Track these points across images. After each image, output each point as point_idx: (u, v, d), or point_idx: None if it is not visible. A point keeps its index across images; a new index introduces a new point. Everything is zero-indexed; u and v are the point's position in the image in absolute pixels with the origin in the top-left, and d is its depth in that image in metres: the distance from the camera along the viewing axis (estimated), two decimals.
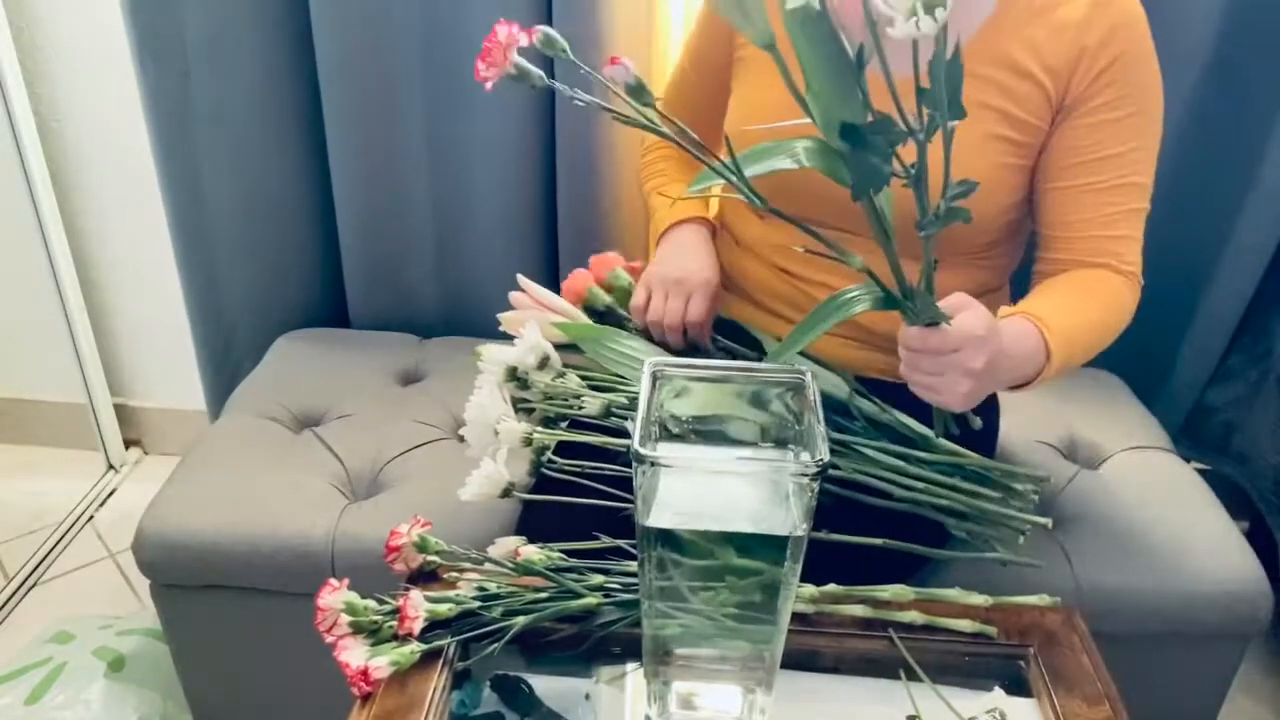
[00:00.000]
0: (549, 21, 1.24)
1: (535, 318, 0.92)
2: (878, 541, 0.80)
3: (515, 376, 0.88)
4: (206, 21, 1.28)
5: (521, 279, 0.98)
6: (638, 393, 0.89)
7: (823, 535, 0.78)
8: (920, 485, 0.84)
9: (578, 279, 1.00)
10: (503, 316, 0.97)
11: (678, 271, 0.95)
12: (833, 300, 0.68)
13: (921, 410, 0.88)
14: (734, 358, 0.96)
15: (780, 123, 0.63)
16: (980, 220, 0.91)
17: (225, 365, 1.52)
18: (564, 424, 0.88)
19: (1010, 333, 0.79)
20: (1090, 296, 0.89)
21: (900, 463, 0.85)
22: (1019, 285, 1.01)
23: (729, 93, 1.00)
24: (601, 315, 0.99)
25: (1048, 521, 0.84)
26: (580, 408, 0.85)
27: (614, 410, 0.85)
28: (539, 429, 0.85)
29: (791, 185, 0.92)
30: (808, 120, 0.61)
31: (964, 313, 0.73)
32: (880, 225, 0.64)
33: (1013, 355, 0.79)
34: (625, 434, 0.84)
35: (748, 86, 0.97)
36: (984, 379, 0.74)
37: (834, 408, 0.88)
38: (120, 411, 1.79)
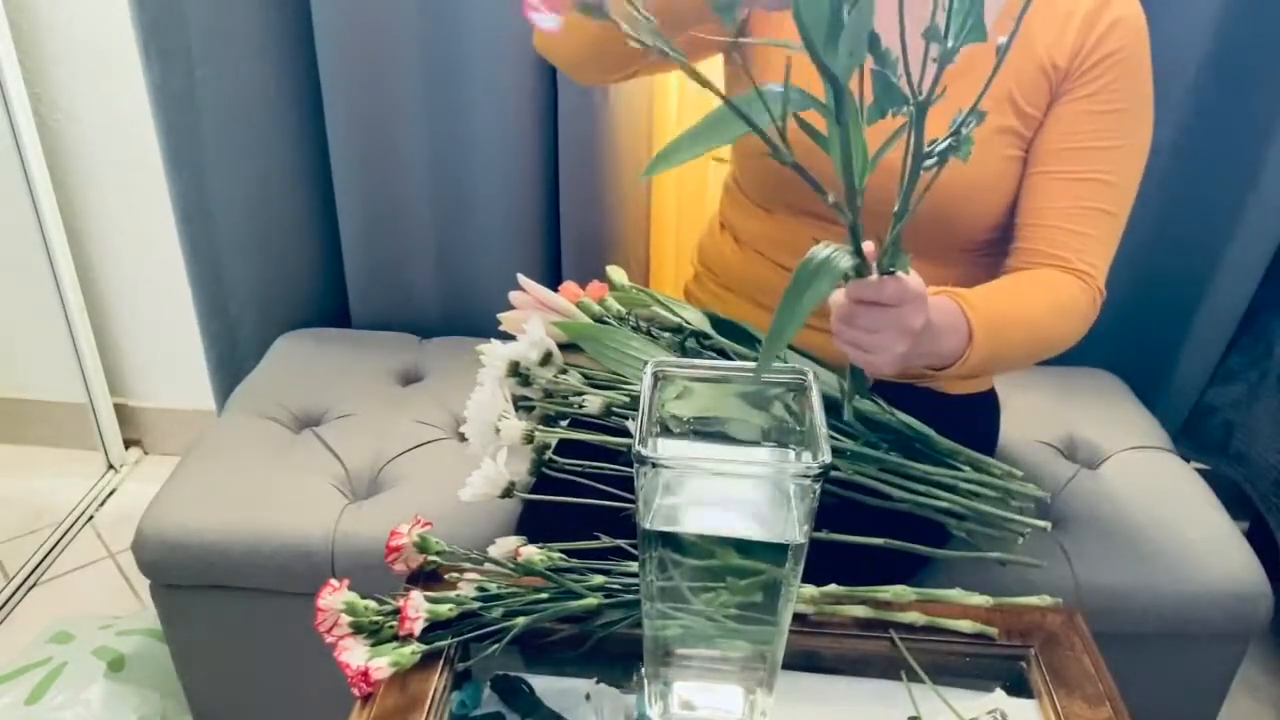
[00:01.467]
0: None
1: (537, 316, 0.92)
2: (878, 541, 0.80)
3: (517, 372, 0.88)
4: (212, 21, 1.28)
5: (522, 278, 0.98)
6: (639, 392, 0.89)
7: (824, 535, 0.78)
8: (921, 488, 0.84)
9: (573, 288, 1.00)
10: (503, 316, 0.97)
11: None
12: (806, 265, 0.60)
13: (922, 412, 0.88)
14: (732, 358, 0.96)
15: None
16: (985, 215, 0.91)
17: (231, 363, 1.52)
18: (564, 423, 0.88)
19: (933, 302, 0.75)
20: (1034, 295, 0.86)
21: (901, 462, 0.85)
22: None
23: None
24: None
25: (1046, 525, 0.84)
26: (581, 406, 0.85)
27: (615, 409, 0.85)
28: (540, 427, 0.85)
29: (789, 176, 0.92)
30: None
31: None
32: (848, 166, 0.58)
33: (935, 325, 0.75)
34: (626, 433, 0.84)
35: (757, 76, 0.95)
36: (918, 342, 0.71)
37: (830, 407, 0.88)
38: (120, 411, 1.79)
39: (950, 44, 0.54)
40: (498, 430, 0.83)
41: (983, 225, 0.92)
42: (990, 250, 0.96)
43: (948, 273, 0.95)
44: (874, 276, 0.67)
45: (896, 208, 0.60)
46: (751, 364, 0.73)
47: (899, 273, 0.67)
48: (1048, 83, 0.87)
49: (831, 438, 0.85)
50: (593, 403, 0.85)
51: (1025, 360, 0.87)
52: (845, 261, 0.61)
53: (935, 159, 0.57)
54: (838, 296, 0.70)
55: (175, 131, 1.34)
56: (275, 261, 1.46)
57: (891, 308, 0.68)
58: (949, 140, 0.57)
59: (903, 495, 0.83)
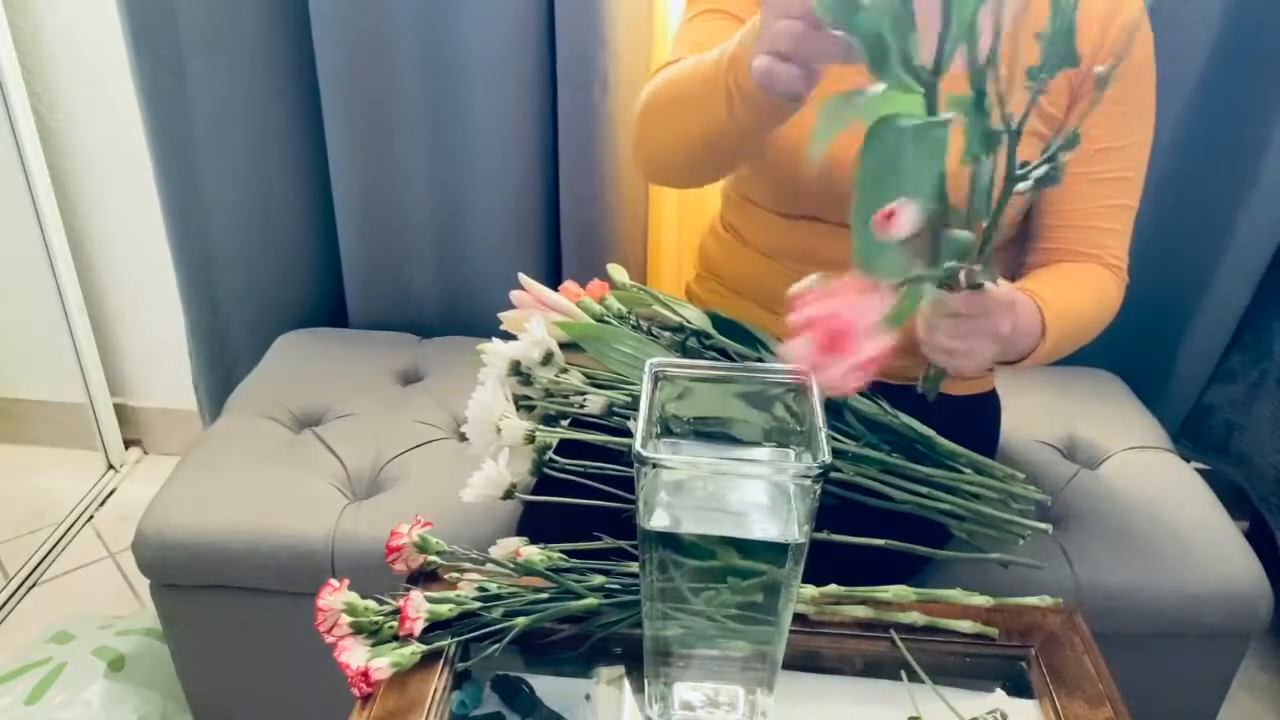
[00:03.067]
0: (550, 21, 1.24)
1: (538, 315, 0.92)
2: (879, 542, 0.80)
3: (518, 372, 0.88)
4: (203, 20, 1.28)
5: (523, 278, 0.98)
6: (639, 392, 0.89)
7: (824, 536, 0.78)
8: (922, 489, 0.84)
9: (573, 288, 1.00)
10: (504, 315, 0.96)
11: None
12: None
13: (921, 412, 0.88)
14: (732, 358, 0.95)
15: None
16: (1007, 219, 0.91)
17: (220, 365, 1.52)
18: (565, 422, 0.88)
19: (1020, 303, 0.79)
20: (1083, 287, 0.90)
21: (902, 464, 0.85)
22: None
23: None
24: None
25: (1047, 527, 0.84)
26: (582, 406, 0.85)
27: (616, 409, 0.85)
28: (541, 427, 0.85)
29: (797, 181, 0.92)
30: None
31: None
32: (982, 192, 0.58)
33: (1019, 327, 0.78)
34: (627, 433, 0.84)
35: None
36: (1005, 345, 0.73)
37: (830, 408, 0.88)
38: (120, 411, 1.78)
39: (1043, 75, 0.54)
40: (499, 430, 0.83)
41: (1002, 230, 0.93)
42: (1001, 253, 0.97)
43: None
44: (961, 293, 0.67)
45: (985, 224, 0.60)
46: (753, 364, 0.73)
47: (985, 285, 0.68)
48: (1067, 82, 0.88)
49: (832, 439, 0.85)
50: (594, 402, 0.84)
51: (1071, 348, 0.89)
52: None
53: (1031, 184, 0.58)
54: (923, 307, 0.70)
55: (165, 133, 1.34)
56: (271, 263, 1.46)
57: (979, 318, 0.70)
58: (1046, 167, 0.57)
59: (904, 497, 0.83)
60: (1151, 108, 0.90)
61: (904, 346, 0.97)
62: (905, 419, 0.88)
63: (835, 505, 0.82)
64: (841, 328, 0.52)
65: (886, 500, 0.83)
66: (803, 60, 0.63)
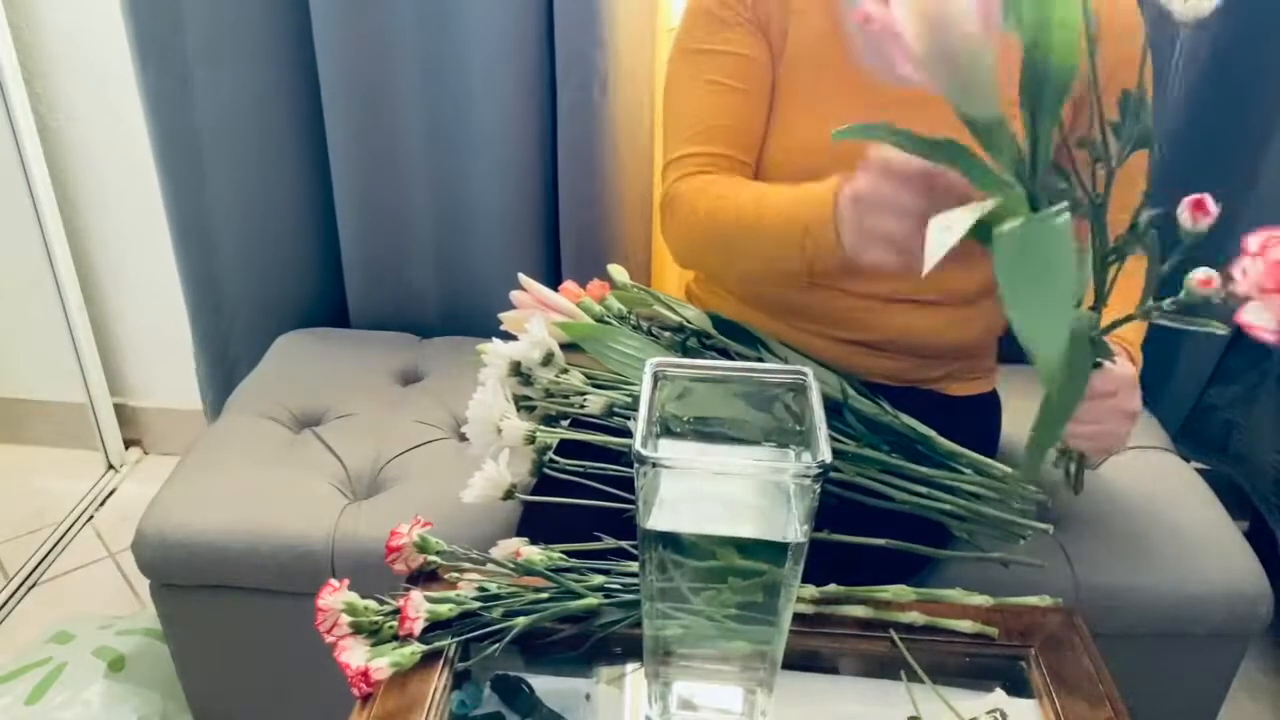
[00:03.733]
0: (549, 21, 1.24)
1: (539, 315, 0.92)
2: (879, 542, 0.80)
3: (519, 372, 0.88)
4: (206, 22, 1.29)
5: (523, 278, 0.98)
6: (639, 391, 0.89)
7: (824, 535, 0.78)
8: (922, 489, 0.84)
9: (573, 288, 1.00)
10: (504, 316, 0.96)
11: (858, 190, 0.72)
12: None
13: (924, 413, 0.88)
14: (732, 358, 0.96)
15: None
16: None
17: (223, 365, 1.52)
18: (565, 422, 0.88)
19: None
20: (1135, 294, 0.90)
21: (902, 464, 0.85)
22: None
23: (769, 97, 0.94)
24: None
25: (1048, 528, 0.84)
26: (582, 406, 0.85)
27: (616, 409, 0.85)
28: (541, 427, 0.85)
29: None
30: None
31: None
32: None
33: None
34: (627, 433, 0.84)
35: (789, 103, 0.93)
36: (1136, 418, 0.75)
37: (830, 409, 0.88)
38: (120, 411, 1.79)
39: (1116, 157, 0.57)
40: (499, 430, 0.83)
41: None
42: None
43: (969, 275, 0.95)
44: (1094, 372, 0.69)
45: (1092, 302, 0.62)
46: (753, 364, 0.73)
47: (1105, 363, 0.70)
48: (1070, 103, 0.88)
49: (832, 439, 0.85)
50: (594, 403, 0.85)
51: None
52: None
53: (1116, 257, 0.61)
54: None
55: (169, 134, 1.34)
56: (271, 263, 1.46)
57: (1108, 398, 0.72)
58: (1130, 239, 0.60)
59: (904, 497, 0.83)
60: (1149, 93, 0.90)
61: (906, 349, 0.98)
62: (906, 420, 0.88)
63: (835, 505, 0.82)
64: None
65: (886, 500, 0.83)
66: (911, 248, 0.65)
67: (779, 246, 0.80)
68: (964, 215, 0.52)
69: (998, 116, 0.54)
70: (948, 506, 0.83)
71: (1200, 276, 0.55)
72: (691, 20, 0.94)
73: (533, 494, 0.87)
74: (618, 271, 1.01)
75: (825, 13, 0.90)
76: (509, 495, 0.83)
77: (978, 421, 1.07)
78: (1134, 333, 0.85)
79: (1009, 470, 0.87)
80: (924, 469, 0.85)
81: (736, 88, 0.91)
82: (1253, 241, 0.52)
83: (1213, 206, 0.55)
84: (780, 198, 0.82)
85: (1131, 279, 0.88)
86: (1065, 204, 0.53)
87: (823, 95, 0.91)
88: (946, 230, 0.52)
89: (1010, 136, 0.55)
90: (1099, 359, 0.68)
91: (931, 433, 0.87)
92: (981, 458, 0.87)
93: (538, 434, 0.83)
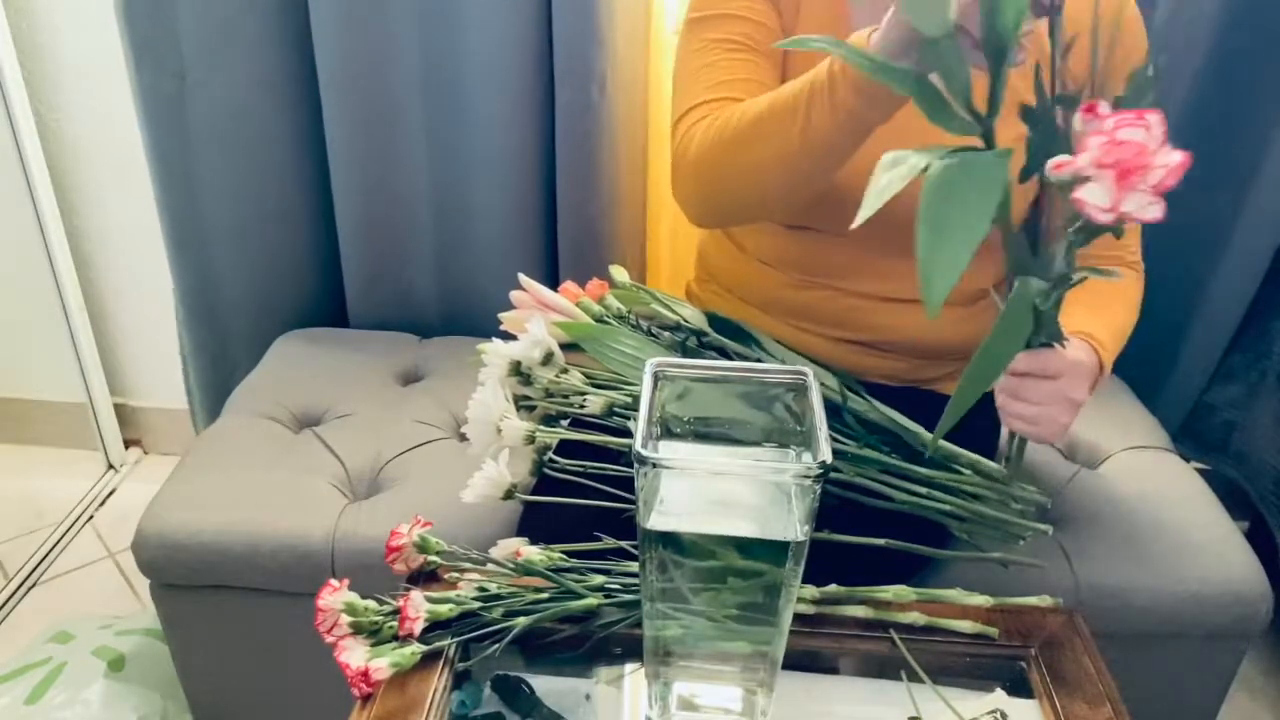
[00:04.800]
0: (549, 21, 1.24)
1: (539, 315, 0.92)
2: (879, 542, 0.80)
3: (519, 371, 0.88)
4: (202, 23, 1.28)
5: (523, 278, 0.98)
6: (639, 391, 0.89)
7: (824, 535, 0.78)
8: (922, 490, 0.84)
9: (573, 288, 1.00)
10: (504, 316, 0.97)
11: None
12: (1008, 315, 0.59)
13: (922, 413, 0.88)
14: (730, 357, 0.96)
15: None
16: (1014, 215, 0.91)
17: (222, 366, 1.52)
18: (565, 422, 0.88)
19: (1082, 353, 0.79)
20: (1117, 302, 0.91)
21: (902, 465, 0.85)
22: None
23: (779, 76, 0.91)
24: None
25: (1047, 528, 0.84)
26: (582, 406, 0.85)
27: (616, 409, 0.85)
28: (541, 427, 0.85)
29: (824, 198, 0.92)
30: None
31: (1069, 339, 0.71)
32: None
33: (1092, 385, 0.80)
34: (626, 433, 0.84)
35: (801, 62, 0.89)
36: (1080, 410, 0.74)
37: (829, 409, 0.88)
38: (120, 411, 1.78)
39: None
40: (499, 430, 0.83)
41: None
42: (998, 252, 0.96)
43: (970, 272, 0.95)
44: (1028, 352, 0.69)
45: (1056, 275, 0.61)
46: (753, 364, 0.73)
47: (1056, 346, 0.69)
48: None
49: (832, 439, 0.85)
50: (594, 403, 0.85)
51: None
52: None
53: (1083, 234, 0.59)
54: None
55: (164, 135, 1.34)
56: (271, 263, 1.46)
57: (1054, 380, 0.71)
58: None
59: (903, 497, 0.83)
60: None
61: (905, 349, 0.98)
62: (899, 418, 0.88)
63: (835, 505, 0.82)
64: (1132, 155, 0.51)
65: (886, 500, 0.83)
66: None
67: (799, 107, 0.76)
68: (916, 158, 0.53)
69: (947, 29, 0.54)
70: (947, 507, 0.83)
71: (1054, 162, 0.54)
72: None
73: (533, 494, 0.87)
74: (618, 272, 1.01)
75: (818, 20, 0.90)
76: (509, 495, 0.83)
77: (976, 422, 1.06)
78: (1105, 334, 0.84)
79: (1007, 471, 0.87)
80: (923, 469, 0.85)
81: (748, 45, 0.88)
82: (1108, 122, 0.51)
83: (1104, 109, 0.53)
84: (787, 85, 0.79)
85: (1106, 294, 0.89)
86: (1008, 152, 0.53)
87: None
88: (893, 168, 0.52)
89: (959, 58, 0.55)
90: (1049, 340, 0.68)
91: (922, 429, 0.87)
92: (980, 458, 0.87)
93: (537, 434, 0.83)
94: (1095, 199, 0.51)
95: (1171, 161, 0.51)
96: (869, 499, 0.83)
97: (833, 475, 0.83)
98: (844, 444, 0.85)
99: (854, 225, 0.51)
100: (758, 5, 0.89)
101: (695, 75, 0.89)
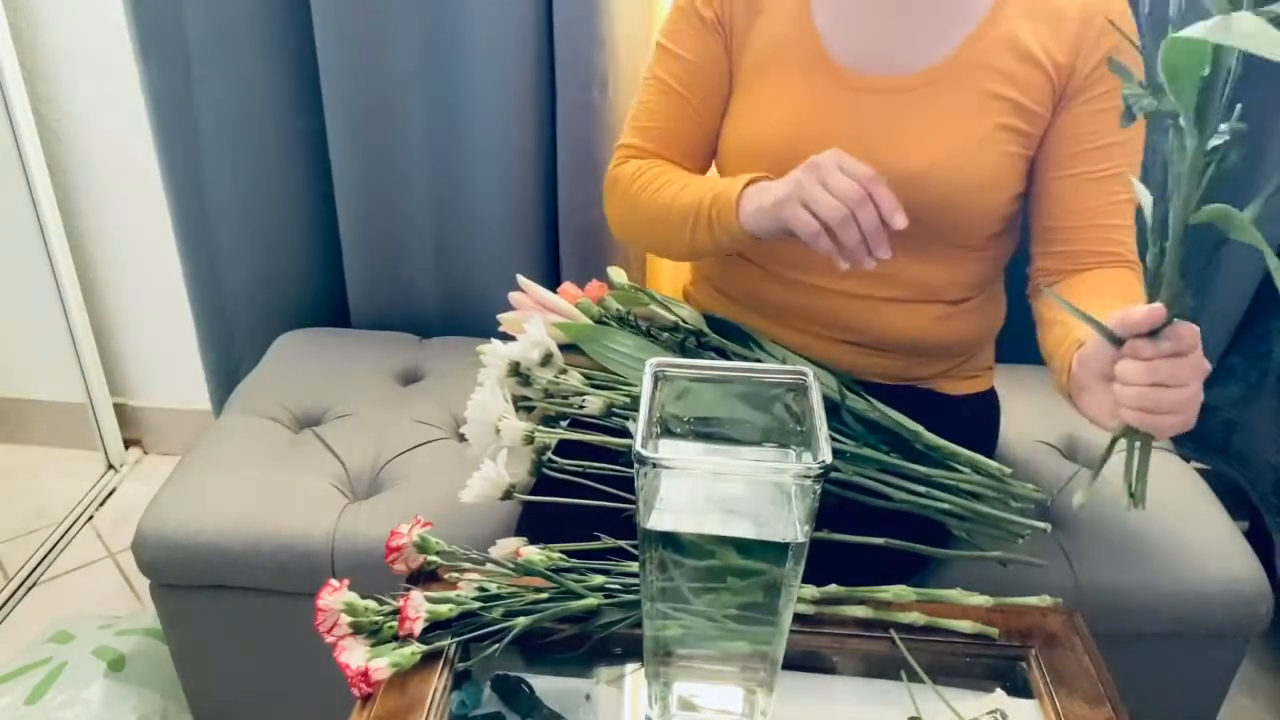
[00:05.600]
0: (549, 21, 1.24)
1: (538, 316, 0.92)
2: (879, 541, 0.80)
3: (518, 372, 0.88)
4: (208, 19, 1.29)
5: (521, 279, 0.99)
6: (638, 392, 0.89)
7: (824, 535, 0.78)
8: (921, 489, 0.84)
9: (572, 289, 1.00)
10: (503, 317, 0.97)
11: (793, 174, 0.78)
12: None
13: (922, 412, 0.88)
14: (729, 357, 0.96)
15: None
16: (987, 212, 0.91)
17: (228, 364, 1.52)
18: (565, 423, 0.88)
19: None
20: (1126, 298, 0.87)
21: (901, 464, 0.85)
22: (1013, 275, 1.01)
23: (719, 111, 0.98)
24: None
25: (1046, 526, 0.84)
26: (581, 406, 0.85)
27: (615, 409, 0.85)
28: (540, 428, 0.85)
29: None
30: None
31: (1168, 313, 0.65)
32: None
33: None
34: (626, 433, 0.84)
35: (758, 96, 0.95)
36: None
37: (827, 408, 0.88)
38: (120, 411, 1.79)
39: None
40: (498, 430, 0.83)
41: (986, 221, 0.92)
42: (990, 245, 0.97)
43: (952, 272, 0.95)
44: (1178, 328, 0.63)
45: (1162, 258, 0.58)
46: (753, 364, 0.73)
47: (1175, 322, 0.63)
48: (1048, 79, 0.87)
49: (831, 439, 0.85)
50: (593, 403, 0.85)
51: None
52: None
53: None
54: (1127, 365, 0.65)
55: (171, 131, 1.34)
56: (272, 262, 1.46)
57: (1192, 354, 0.64)
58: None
59: (903, 496, 0.83)
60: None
61: (897, 347, 0.98)
62: (897, 415, 0.88)
63: (835, 504, 0.82)
64: None
65: (885, 500, 0.83)
66: (834, 227, 0.75)
67: (687, 221, 0.90)
68: None
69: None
70: (946, 505, 0.83)
71: None
72: (671, 11, 0.98)
73: (531, 494, 0.87)
74: (617, 274, 1.01)
75: (794, 10, 0.92)
76: (508, 495, 0.83)
77: (975, 420, 1.07)
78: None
79: (1007, 470, 0.87)
80: (922, 468, 0.85)
81: (679, 92, 0.97)
82: None
83: None
84: (697, 182, 0.92)
85: (1121, 288, 0.89)
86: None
87: (789, 88, 0.92)
88: None
89: None
90: (1182, 314, 0.61)
91: (921, 428, 0.87)
92: (980, 457, 0.87)
93: (536, 434, 0.83)
94: None
95: None
96: (869, 498, 0.84)
97: (832, 475, 0.83)
98: (843, 443, 0.85)
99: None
100: (701, 43, 0.96)
101: (633, 110, 1.02)
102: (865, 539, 0.80)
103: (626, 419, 0.84)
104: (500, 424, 0.82)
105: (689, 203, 0.89)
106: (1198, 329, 0.64)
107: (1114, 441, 0.70)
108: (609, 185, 1.02)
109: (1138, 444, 0.68)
